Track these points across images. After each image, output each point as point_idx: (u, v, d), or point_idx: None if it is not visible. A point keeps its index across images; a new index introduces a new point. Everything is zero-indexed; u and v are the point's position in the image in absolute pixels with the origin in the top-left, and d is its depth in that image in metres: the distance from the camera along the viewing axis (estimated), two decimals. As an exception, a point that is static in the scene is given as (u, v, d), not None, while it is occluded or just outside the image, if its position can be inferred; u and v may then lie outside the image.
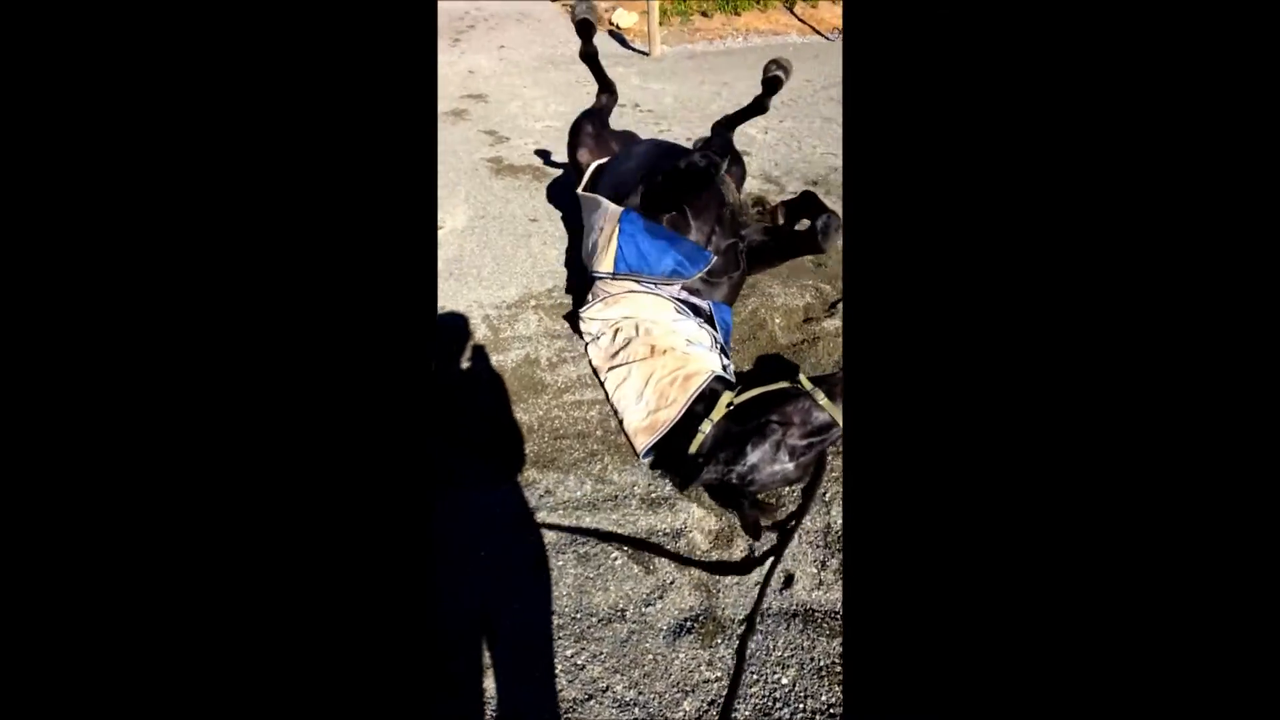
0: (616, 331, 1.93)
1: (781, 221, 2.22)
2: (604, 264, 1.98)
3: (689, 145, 2.65)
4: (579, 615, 1.32)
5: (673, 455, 1.62)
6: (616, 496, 1.60)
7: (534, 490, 1.62)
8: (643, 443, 1.66)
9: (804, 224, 2.14)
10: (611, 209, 2.08)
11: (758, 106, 2.10)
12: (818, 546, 1.47)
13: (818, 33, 8.53)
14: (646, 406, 1.70)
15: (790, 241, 2.15)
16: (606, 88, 2.71)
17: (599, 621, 1.31)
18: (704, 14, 8.34)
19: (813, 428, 1.48)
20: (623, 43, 8.29)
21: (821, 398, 1.48)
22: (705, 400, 1.62)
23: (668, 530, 1.51)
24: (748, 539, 1.48)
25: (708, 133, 2.27)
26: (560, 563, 1.43)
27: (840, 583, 1.38)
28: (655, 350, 1.79)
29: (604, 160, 2.50)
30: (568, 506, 1.57)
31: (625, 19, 8.24)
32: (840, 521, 1.51)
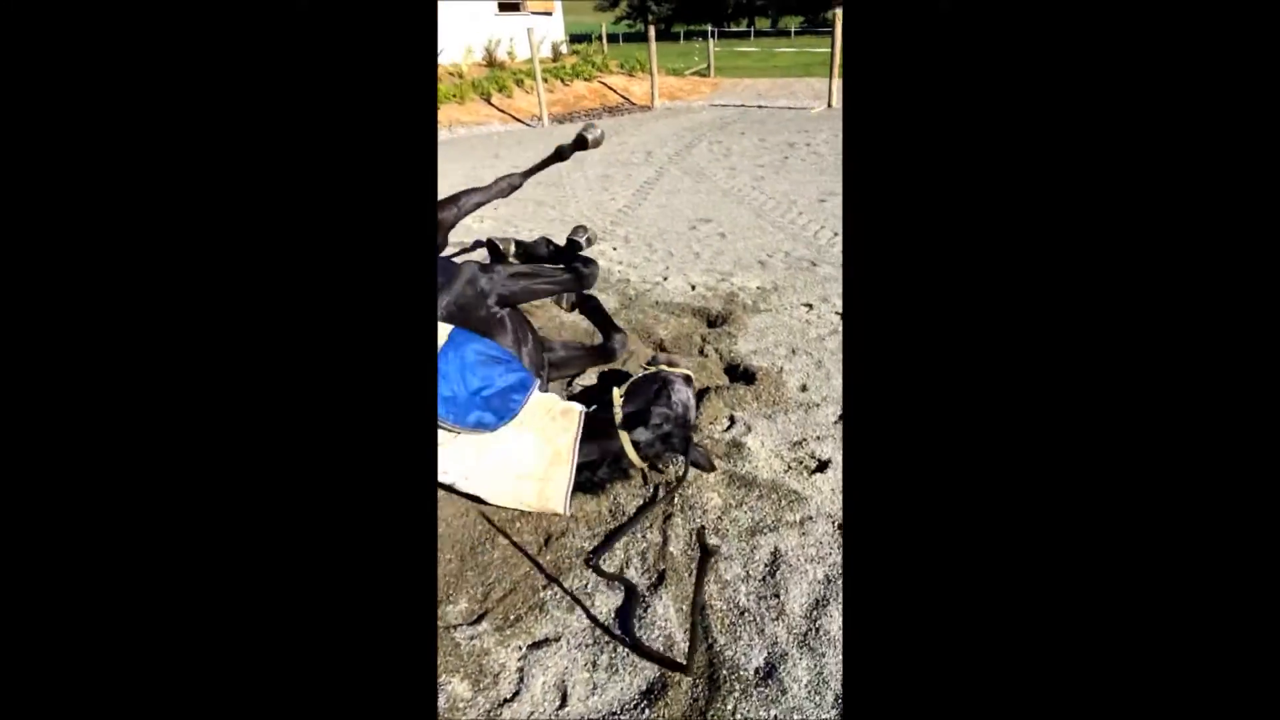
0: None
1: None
2: None
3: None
4: None
5: (597, 472, 1.78)
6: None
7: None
8: (560, 490, 1.70)
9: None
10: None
11: (557, 155, 2.44)
12: (585, 646, 1.42)
13: (518, 120, 9.14)
14: (532, 470, 1.69)
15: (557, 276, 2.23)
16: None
17: None
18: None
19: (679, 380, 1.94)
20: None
21: (664, 366, 1.99)
22: (588, 428, 1.77)
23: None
24: (516, 680, 1.37)
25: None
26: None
27: (613, 678, 1.35)
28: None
29: None
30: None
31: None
32: (602, 612, 1.50)
